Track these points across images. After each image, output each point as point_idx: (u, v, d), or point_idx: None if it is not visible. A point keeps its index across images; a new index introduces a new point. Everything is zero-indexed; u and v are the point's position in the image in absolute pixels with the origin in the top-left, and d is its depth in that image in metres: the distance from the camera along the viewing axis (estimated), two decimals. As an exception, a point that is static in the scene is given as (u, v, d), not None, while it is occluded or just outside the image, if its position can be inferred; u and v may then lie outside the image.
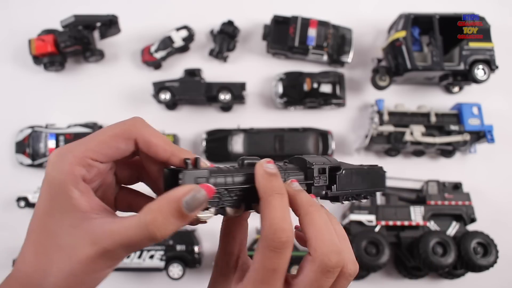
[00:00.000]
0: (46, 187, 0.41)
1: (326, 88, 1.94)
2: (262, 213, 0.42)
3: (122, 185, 0.49)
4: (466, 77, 1.83)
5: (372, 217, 1.74)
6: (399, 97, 2.00)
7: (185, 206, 0.37)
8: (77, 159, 0.40)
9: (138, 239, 0.38)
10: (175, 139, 1.89)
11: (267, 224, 0.40)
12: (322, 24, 1.94)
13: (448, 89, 2.02)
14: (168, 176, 0.42)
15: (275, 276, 0.41)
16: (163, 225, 0.37)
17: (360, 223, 1.73)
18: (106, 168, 0.44)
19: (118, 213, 0.46)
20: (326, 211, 0.46)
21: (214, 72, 2.00)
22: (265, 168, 0.43)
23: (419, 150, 1.92)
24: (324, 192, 0.51)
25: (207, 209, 0.41)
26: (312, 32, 1.93)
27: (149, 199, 0.48)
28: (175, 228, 0.38)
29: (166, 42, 1.94)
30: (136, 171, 0.49)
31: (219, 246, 0.48)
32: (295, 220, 0.45)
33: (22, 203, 1.84)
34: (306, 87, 1.93)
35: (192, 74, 1.92)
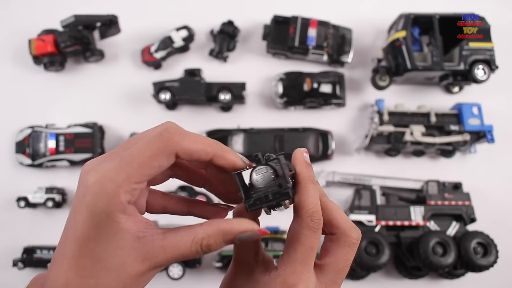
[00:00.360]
0: (89, 216, 0.40)
1: (326, 88, 1.94)
2: (300, 199, 0.45)
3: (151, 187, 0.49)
4: (466, 77, 1.83)
5: (372, 217, 1.74)
6: (399, 97, 2.00)
7: (237, 239, 0.43)
8: (121, 188, 0.39)
9: (189, 254, 0.41)
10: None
11: (306, 207, 0.45)
12: (322, 24, 1.94)
13: (448, 89, 2.02)
14: (239, 178, 0.46)
15: (313, 254, 0.45)
16: (214, 248, 0.42)
17: (360, 223, 1.73)
18: (148, 183, 0.45)
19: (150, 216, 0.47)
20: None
21: (214, 72, 2.00)
22: (305, 158, 0.48)
23: (419, 150, 1.92)
24: None
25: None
26: (312, 32, 1.93)
27: (180, 199, 0.50)
28: (223, 247, 0.43)
29: (166, 42, 1.95)
30: (168, 171, 0.48)
31: (238, 245, 0.49)
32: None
33: (22, 203, 1.83)
34: (306, 87, 1.93)
35: (192, 74, 1.92)
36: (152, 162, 0.40)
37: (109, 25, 1.90)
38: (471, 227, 1.76)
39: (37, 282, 0.44)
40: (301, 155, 0.48)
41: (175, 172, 0.49)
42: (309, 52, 1.95)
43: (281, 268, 0.45)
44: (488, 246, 1.65)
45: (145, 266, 0.40)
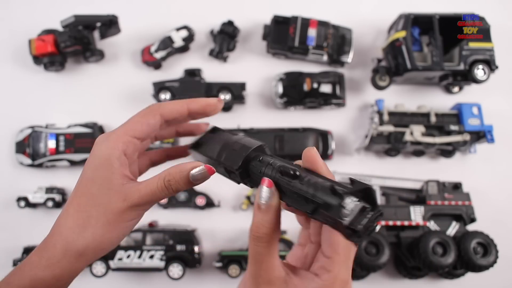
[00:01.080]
0: (93, 160, 0.54)
1: (326, 88, 1.94)
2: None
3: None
4: (466, 77, 1.83)
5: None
6: (399, 97, 2.00)
7: (191, 177, 0.52)
8: (119, 137, 0.55)
9: (158, 192, 0.52)
10: (175, 140, 1.89)
11: None
12: (322, 24, 1.94)
13: (448, 89, 2.02)
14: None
15: (353, 252, 0.48)
16: (174, 183, 0.52)
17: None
18: (142, 147, 0.61)
19: None
20: None
21: (214, 72, 2.00)
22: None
23: (419, 150, 1.92)
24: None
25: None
26: (312, 32, 1.93)
27: (158, 151, 0.71)
28: (186, 187, 0.53)
29: (166, 42, 1.95)
30: (164, 156, 0.69)
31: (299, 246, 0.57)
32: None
33: (22, 203, 1.84)
34: (306, 87, 1.93)
35: (192, 74, 1.92)
36: (142, 120, 0.57)
37: (109, 25, 1.91)
38: (471, 227, 1.76)
39: (41, 245, 0.54)
40: None
41: (170, 156, 0.69)
42: (309, 52, 1.95)
43: (328, 266, 0.46)
44: (488, 246, 1.65)
45: (125, 204, 0.52)
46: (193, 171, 0.52)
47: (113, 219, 0.52)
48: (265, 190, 0.49)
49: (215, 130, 0.66)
